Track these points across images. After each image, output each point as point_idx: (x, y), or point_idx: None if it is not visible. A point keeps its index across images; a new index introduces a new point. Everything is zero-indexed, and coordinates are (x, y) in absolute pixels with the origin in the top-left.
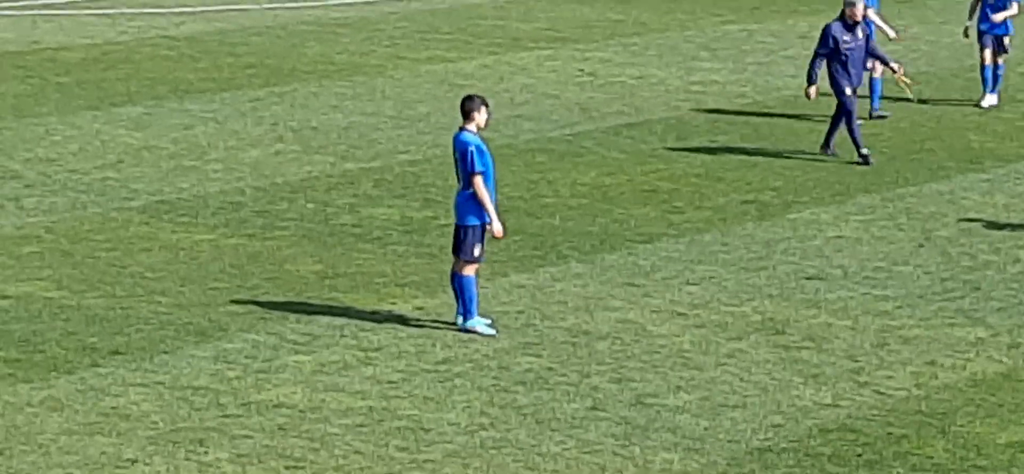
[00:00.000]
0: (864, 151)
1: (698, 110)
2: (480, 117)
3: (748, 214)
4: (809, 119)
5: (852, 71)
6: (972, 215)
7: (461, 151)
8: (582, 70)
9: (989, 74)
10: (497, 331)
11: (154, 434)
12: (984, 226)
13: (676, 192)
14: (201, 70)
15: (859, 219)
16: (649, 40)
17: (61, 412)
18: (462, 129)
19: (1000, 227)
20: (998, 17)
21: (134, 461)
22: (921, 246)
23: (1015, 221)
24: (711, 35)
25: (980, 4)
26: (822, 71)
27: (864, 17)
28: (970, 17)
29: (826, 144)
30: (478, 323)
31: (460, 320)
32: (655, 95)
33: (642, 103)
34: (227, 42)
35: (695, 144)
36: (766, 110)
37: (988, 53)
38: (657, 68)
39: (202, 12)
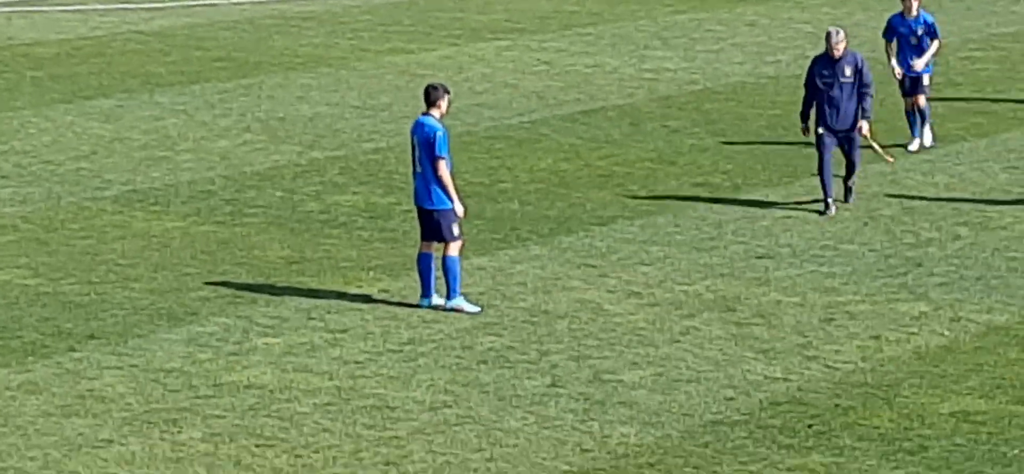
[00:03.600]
0: (829, 200)
1: (651, 97)
2: (443, 104)
3: (699, 196)
4: (757, 105)
5: (828, 109)
6: (914, 195)
7: (428, 135)
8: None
9: (915, 117)
10: (481, 307)
11: (129, 415)
12: (925, 205)
13: (630, 176)
14: (171, 64)
15: (806, 200)
16: (603, 30)
17: (39, 395)
18: (425, 114)
19: (941, 206)
20: (919, 63)
21: (110, 441)
22: (866, 225)
23: (955, 199)
24: (662, 24)
25: (897, 45)
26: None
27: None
28: (890, 60)
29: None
30: (462, 302)
31: (436, 299)
32: (609, 83)
33: (597, 91)
34: (196, 36)
35: (648, 130)
36: (716, 96)
37: (909, 99)
38: (611, 57)
39: (171, 7)
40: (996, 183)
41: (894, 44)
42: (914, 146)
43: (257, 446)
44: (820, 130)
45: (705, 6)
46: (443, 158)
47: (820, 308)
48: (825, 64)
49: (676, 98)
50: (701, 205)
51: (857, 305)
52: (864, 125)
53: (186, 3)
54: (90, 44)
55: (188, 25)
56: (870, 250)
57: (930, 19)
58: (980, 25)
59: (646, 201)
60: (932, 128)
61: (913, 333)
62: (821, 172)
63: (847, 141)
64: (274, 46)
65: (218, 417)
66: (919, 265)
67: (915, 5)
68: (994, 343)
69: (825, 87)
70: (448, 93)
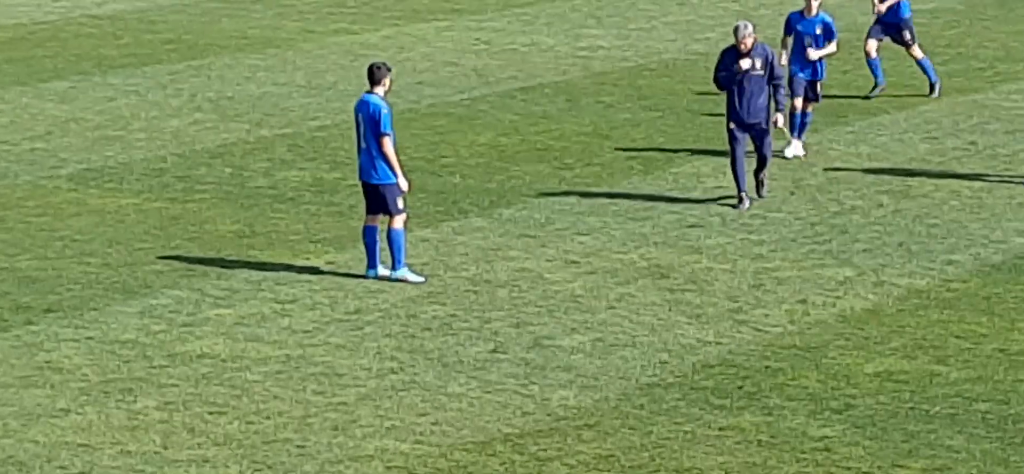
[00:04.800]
0: (742, 194)
1: (586, 74)
2: (387, 82)
3: (633, 169)
4: (687, 81)
5: (738, 102)
6: (838, 165)
7: (372, 112)
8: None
9: (797, 119)
10: (425, 277)
11: (86, 385)
12: (849, 175)
13: (567, 150)
14: (123, 46)
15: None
16: (539, 9)
17: None
18: (369, 92)
19: (864, 175)
20: (816, 54)
21: (67, 411)
22: (792, 194)
23: (877, 168)
24: (596, 4)
25: (793, 40)
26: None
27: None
28: (782, 56)
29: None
30: (407, 272)
31: (381, 270)
32: (546, 61)
33: (534, 68)
34: (147, 20)
35: (583, 105)
36: (648, 73)
37: (799, 101)
38: (547, 36)
39: None
40: (916, 153)
41: (790, 39)
42: (790, 151)
43: (210, 413)
44: (731, 125)
45: None
46: (388, 134)
47: (750, 274)
48: (735, 56)
49: (610, 75)
50: (635, 177)
51: (785, 271)
52: (779, 118)
53: None
54: (45, 28)
55: (139, 9)
56: (796, 218)
57: (829, 19)
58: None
59: (582, 174)
60: (805, 143)
61: (838, 297)
62: (733, 166)
63: (758, 135)
64: (223, 28)
65: (172, 386)
66: (844, 232)
67: (815, 4)
68: (915, 306)
69: (735, 79)
70: (391, 72)
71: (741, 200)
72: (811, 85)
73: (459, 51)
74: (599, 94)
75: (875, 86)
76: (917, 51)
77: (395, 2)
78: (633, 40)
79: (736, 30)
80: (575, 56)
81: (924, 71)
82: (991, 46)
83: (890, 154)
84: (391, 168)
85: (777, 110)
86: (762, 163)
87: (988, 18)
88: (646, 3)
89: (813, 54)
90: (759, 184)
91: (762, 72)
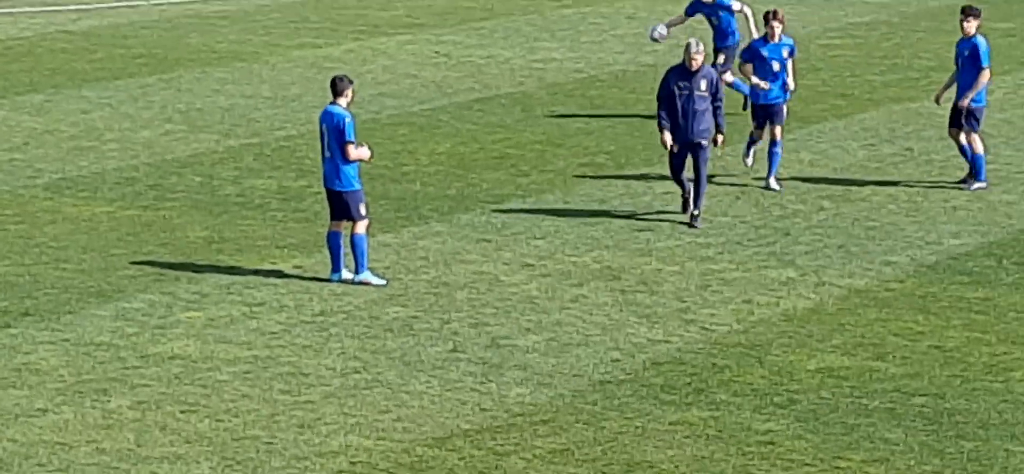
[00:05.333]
0: (688, 198)
1: (540, 85)
2: (349, 94)
3: (586, 175)
4: (637, 91)
5: (682, 121)
6: (781, 171)
7: (336, 122)
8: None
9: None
10: (387, 280)
11: (62, 386)
12: (791, 180)
13: (522, 158)
14: (96, 61)
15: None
16: (496, 24)
17: None
18: (333, 103)
19: (805, 181)
20: (791, 81)
21: (45, 410)
22: (737, 199)
23: (817, 175)
24: (550, 18)
25: (753, 68)
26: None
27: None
28: (749, 77)
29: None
30: (369, 275)
31: (345, 274)
32: (502, 72)
33: (491, 80)
34: (119, 35)
35: (538, 115)
36: (600, 83)
37: (761, 130)
38: (503, 48)
39: (96, 9)
40: (855, 159)
41: (750, 67)
42: (771, 184)
43: (182, 412)
44: (674, 146)
45: (588, 1)
46: (352, 142)
47: (697, 275)
48: (682, 75)
49: (563, 85)
50: (587, 183)
51: (731, 272)
52: (720, 138)
53: (109, 5)
54: (21, 44)
55: (111, 25)
56: (742, 222)
57: (792, 42)
58: (838, 15)
59: (537, 180)
60: (777, 177)
61: (782, 297)
62: (676, 180)
63: (697, 154)
64: (191, 43)
65: (145, 386)
66: (786, 235)
67: (778, 30)
68: (855, 305)
69: (680, 98)
70: (353, 84)
71: (687, 204)
72: (779, 111)
73: (419, 64)
74: (553, 104)
75: (745, 101)
76: (729, 77)
77: (357, 17)
78: (585, 53)
79: (687, 48)
80: (530, 68)
81: (738, 89)
82: (925, 56)
83: (830, 160)
84: (358, 169)
85: (719, 132)
86: (697, 185)
87: (921, 30)
88: (597, 18)
89: (791, 83)
90: (693, 218)
91: (706, 93)
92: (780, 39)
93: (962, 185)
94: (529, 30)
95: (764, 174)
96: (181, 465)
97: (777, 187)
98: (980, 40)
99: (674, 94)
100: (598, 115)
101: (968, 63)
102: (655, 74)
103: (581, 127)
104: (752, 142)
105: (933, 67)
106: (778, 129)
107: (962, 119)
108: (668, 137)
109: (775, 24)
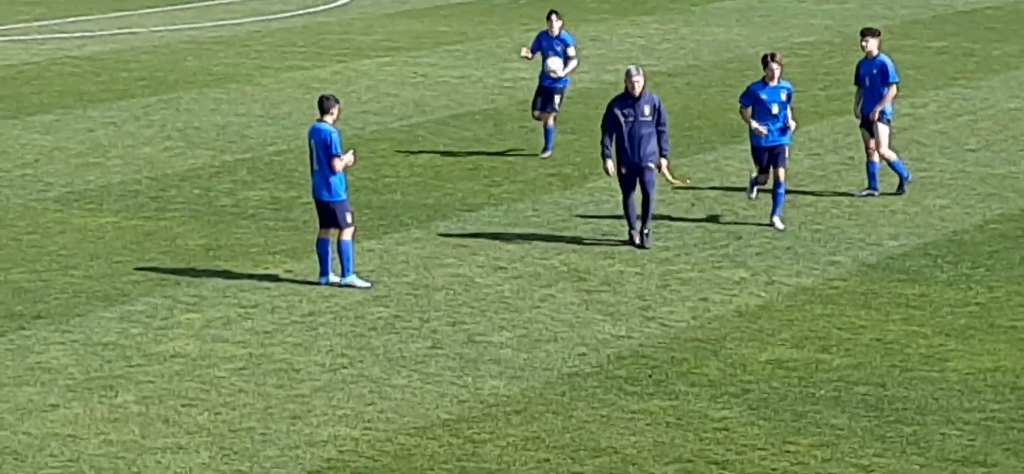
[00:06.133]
0: (633, 231)
1: (511, 102)
2: (335, 112)
3: (553, 185)
4: (600, 107)
5: (628, 146)
6: (733, 180)
7: (324, 138)
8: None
9: (779, 190)
10: (372, 283)
11: (72, 383)
12: (742, 189)
13: (495, 169)
14: (101, 83)
15: None
16: (469, 46)
17: None
18: (320, 121)
19: (756, 188)
20: (792, 123)
21: (56, 406)
22: (693, 205)
23: (767, 184)
24: (519, 41)
25: (753, 111)
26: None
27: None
28: (749, 122)
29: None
30: (355, 279)
31: (332, 277)
32: (475, 91)
33: (465, 98)
34: (121, 60)
35: (509, 130)
36: (566, 100)
37: (765, 174)
38: (476, 69)
39: (100, 35)
40: (801, 168)
41: (749, 110)
42: (775, 222)
43: (183, 406)
44: (623, 170)
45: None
46: (339, 155)
47: (657, 276)
48: (625, 102)
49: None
50: (555, 192)
51: (688, 273)
52: (664, 163)
53: (112, 31)
54: (31, 68)
55: (115, 50)
56: (697, 227)
57: (790, 86)
58: (785, 35)
59: (508, 190)
60: (781, 215)
61: (735, 295)
62: (625, 209)
63: (644, 177)
64: (189, 66)
65: (149, 382)
66: (739, 238)
67: (777, 73)
68: (802, 302)
69: (626, 124)
70: (339, 103)
71: (633, 235)
72: (781, 153)
73: (399, 84)
74: (522, 120)
75: None
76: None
77: (341, 41)
78: None
79: (628, 74)
80: (501, 87)
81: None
82: None
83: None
84: (343, 179)
85: (662, 155)
86: (646, 204)
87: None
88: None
89: (791, 124)
90: (643, 236)
91: (651, 118)
92: (779, 81)
93: (898, 192)
94: (500, 51)
95: (756, 195)
96: (182, 455)
97: (781, 226)
98: (886, 58)
99: (619, 121)
100: (564, 130)
101: (876, 80)
102: (616, 90)
103: None
104: (755, 183)
105: None
106: (782, 171)
107: (872, 130)
108: (611, 165)
109: (774, 67)
